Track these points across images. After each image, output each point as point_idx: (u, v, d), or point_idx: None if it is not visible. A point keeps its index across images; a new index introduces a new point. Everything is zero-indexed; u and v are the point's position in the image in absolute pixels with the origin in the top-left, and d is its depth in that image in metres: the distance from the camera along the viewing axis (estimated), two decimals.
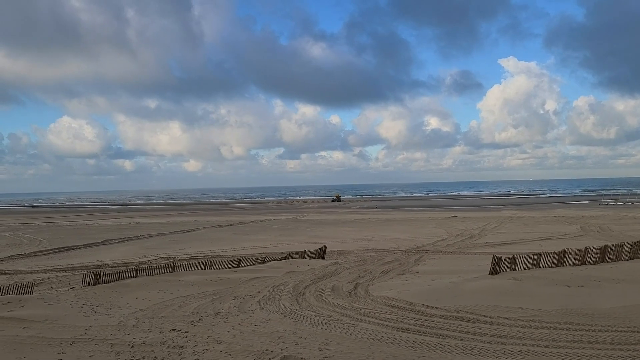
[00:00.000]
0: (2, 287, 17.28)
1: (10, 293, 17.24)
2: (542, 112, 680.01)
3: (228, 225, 61.13)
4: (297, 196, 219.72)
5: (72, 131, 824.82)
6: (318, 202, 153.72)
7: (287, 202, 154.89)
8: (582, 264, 21.04)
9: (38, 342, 12.92)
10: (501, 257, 19.33)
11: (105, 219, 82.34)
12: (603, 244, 28.66)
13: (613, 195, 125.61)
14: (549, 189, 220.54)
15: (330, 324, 13.96)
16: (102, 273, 19.67)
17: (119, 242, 43.56)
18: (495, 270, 18.82)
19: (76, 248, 39.28)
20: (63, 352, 12.13)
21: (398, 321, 14.20)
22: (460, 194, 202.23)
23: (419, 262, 26.60)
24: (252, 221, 68.96)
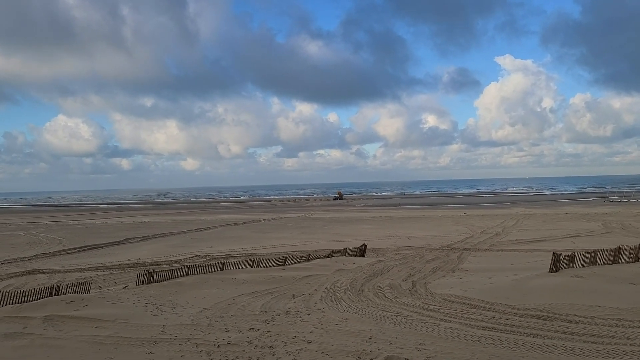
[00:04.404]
0: (60, 285, 16.91)
1: (69, 292, 16.88)
2: (538, 109, 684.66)
3: (242, 224, 60.74)
4: (297, 194, 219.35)
5: (68, 130, 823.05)
6: (320, 200, 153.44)
7: (289, 201, 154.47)
8: (635, 260, 20.92)
9: (119, 342, 12.61)
10: (560, 254, 19.16)
11: (112, 218, 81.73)
12: (633, 240, 28.66)
13: (616, 192, 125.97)
14: (547, 187, 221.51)
15: (413, 324, 13.72)
16: (154, 271, 19.33)
17: (140, 240, 43.10)
18: (555, 267, 18.66)
19: (99, 247, 38.81)
20: (151, 352, 11.82)
21: (479, 320, 13.99)
22: (461, 191, 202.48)
23: (462, 260, 26.37)
24: (263, 219, 68.62)
